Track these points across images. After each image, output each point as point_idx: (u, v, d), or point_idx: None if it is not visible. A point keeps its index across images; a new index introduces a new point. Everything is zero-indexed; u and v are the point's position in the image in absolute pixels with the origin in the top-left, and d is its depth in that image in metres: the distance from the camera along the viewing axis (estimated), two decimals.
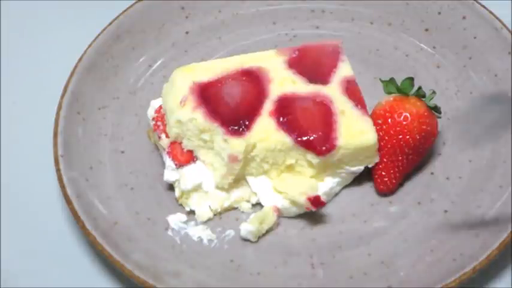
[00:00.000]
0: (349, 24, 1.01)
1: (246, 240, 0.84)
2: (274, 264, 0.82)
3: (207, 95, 0.84)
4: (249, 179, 0.86)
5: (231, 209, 0.87)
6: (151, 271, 0.79)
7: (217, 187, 0.86)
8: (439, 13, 0.98)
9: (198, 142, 0.85)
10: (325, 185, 0.85)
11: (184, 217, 0.86)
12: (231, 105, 0.84)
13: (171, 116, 0.84)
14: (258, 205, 0.87)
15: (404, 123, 0.83)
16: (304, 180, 0.84)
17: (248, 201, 0.87)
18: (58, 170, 0.85)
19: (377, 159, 0.85)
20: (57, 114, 0.89)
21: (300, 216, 0.85)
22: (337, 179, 0.85)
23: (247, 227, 0.83)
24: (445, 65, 0.96)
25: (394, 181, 0.85)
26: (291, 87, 0.86)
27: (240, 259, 0.83)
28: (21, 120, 0.99)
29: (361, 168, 0.85)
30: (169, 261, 0.82)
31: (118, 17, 0.98)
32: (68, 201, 0.83)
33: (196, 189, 0.86)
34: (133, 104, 0.95)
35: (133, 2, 0.99)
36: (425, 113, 0.84)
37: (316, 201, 0.82)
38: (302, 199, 0.82)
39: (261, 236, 0.84)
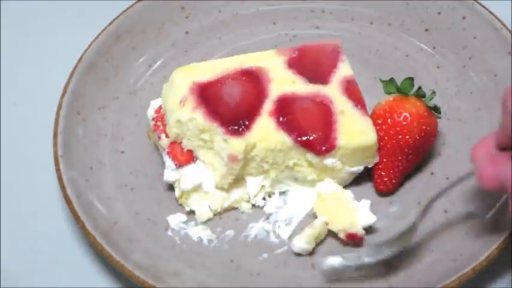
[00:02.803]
0: (349, 24, 1.01)
1: (244, 240, 0.84)
2: (274, 264, 0.82)
3: (207, 95, 0.84)
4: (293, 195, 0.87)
5: (231, 209, 0.87)
6: (151, 271, 0.79)
7: (217, 187, 0.86)
8: (439, 13, 0.98)
9: (197, 142, 0.85)
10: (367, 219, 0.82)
11: (184, 217, 0.86)
12: (231, 105, 0.84)
13: (171, 116, 0.84)
14: (258, 206, 0.87)
15: (404, 123, 0.83)
16: (346, 215, 0.82)
17: (248, 201, 0.87)
18: (58, 170, 0.85)
19: (377, 159, 0.85)
20: (57, 114, 0.89)
21: None
22: (337, 179, 0.85)
23: (302, 245, 0.81)
24: (445, 65, 0.96)
25: (394, 181, 0.85)
26: (291, 87, 0.86)
27: (240, 259, 0.83)
28: (21, 121, 0.99)
29: (361, 168, 0.85)
30: (169, 261, 0.82)
31: (118, 17, 0.98)
32: (68, 201, 0.83)
33: (196, 189, 0.86)
34: (133, 104, 0.95)
35: (133, 2, 0.99)
36: (425, 113, 0.84)
37: (351, 237, 0.82)
38: (341, 235, 0.82)
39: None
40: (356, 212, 0.82)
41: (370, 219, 0.82)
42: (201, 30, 1.01)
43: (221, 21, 1.02)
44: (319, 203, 0.83)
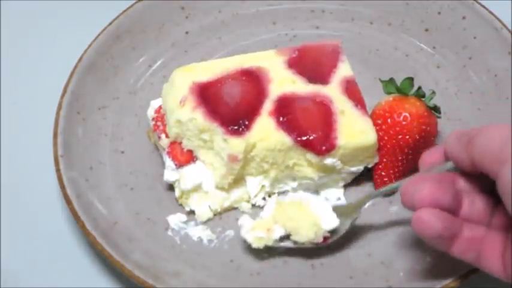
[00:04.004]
0: (349, 24, 1.01)
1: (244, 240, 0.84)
2: (274, 264, 0.82)
3: (207, 95, 0.85)
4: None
5: (231, 209, 0.87)
6: (151, 271, 0.79)
7: (217, 187, 0.86)
8: (439, 13, 0.98)
9: (197, 142, 0.85)
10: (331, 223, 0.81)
11: (184, 217, 0.86)
12: (231, 105, 0.84)
13: (171, 116, 0.84)
14: (258, 206, 0.87)
15: (403, 123, 0.83)
16: (309, 225, 0.80)
17: (248, 201, 0.87)
18: (58, 170, 0.85)
19: (377, 159, 0.85)
20: (57, 114, 0.89)
21: None
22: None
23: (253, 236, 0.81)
24: (445, 65, 0.96)
25: (394, 181, 0.85)
26: (291, 87, 0.86)
27: (240, 259, 0.83)
28: (21, 121, 0.99)
29: (361, 168, 0.85)
30: (169, 261, 0.82)
31: (118, 17, 0.98)
32: (68, 201, 0.83)
33: (196, 189, 0.86)
34: (133, 104, 0.95)
35: (133, 2, 0.99)
36: (425, 113, 0.84)
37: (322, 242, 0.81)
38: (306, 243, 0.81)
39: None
40: (318, 219, 0.80)
41: (333, 222, 0.80)
42: (201, 30, 1.01)
43: (221, 21, 1.02)
44: (279, 213, 0.81)
